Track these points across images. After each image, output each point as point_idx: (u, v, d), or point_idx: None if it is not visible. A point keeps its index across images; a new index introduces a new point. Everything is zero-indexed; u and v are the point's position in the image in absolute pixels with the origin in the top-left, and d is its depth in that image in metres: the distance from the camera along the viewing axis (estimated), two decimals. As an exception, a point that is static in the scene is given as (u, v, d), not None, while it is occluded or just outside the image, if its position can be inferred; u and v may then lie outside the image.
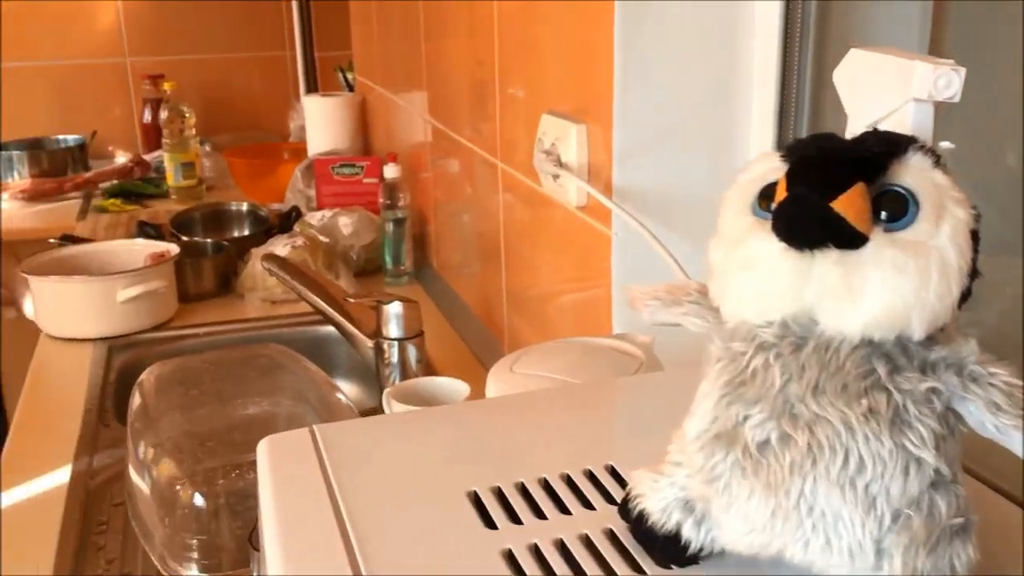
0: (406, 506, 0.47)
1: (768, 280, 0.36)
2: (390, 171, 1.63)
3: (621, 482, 0.47)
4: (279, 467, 0.51)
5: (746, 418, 0.37)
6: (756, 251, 0.36)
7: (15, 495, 1.02)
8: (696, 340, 0.45)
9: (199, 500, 0.80)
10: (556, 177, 0.95)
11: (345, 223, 1.67)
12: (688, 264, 0.81)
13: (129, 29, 2.55)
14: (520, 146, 1.15)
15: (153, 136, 2.50)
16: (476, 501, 0.46)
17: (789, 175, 0.36)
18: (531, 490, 0.46)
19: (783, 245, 0.36)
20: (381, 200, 1.64)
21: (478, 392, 1.03)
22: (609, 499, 0.46)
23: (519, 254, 1.22)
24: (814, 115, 0.85)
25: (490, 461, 0.50)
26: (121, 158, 2.56)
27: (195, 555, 0.79)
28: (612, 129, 0.86)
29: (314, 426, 0.54)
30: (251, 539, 0.71)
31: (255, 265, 1.59)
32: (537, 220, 1.11)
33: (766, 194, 0.37)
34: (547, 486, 0.47)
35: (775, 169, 0.38)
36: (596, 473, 0.48)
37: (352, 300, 1.19)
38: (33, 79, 2.51)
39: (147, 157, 2.42)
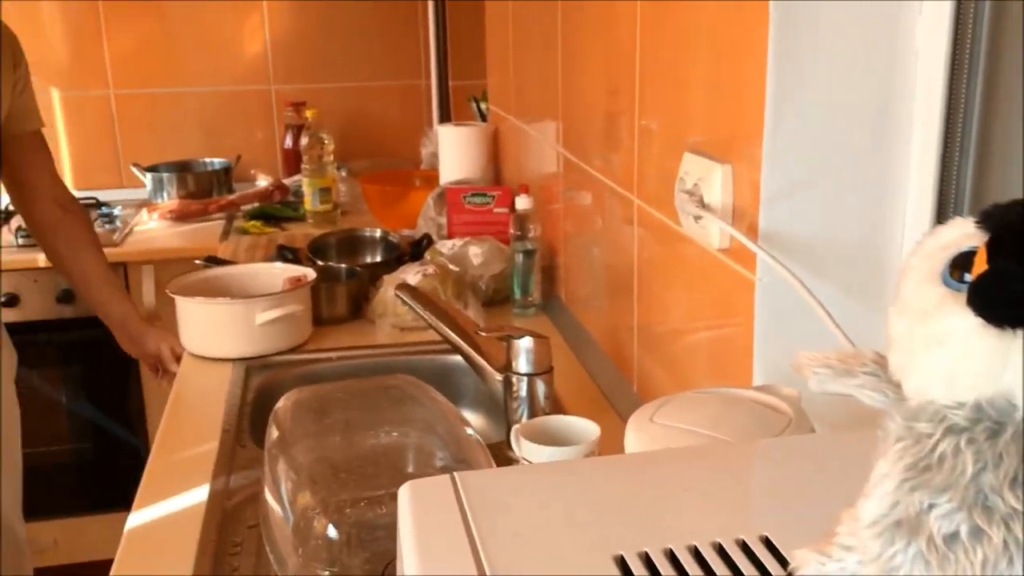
0: (549, 563, 0.46)
1: (962, 358, 0.33)
2: (522, 202, 1.63)
3: (778, 556, 0.44)
4: (420, 512, 0.51)
5: (932, 506, 0.34)
6: (949, 326, 0.34)
7: (156, 511, 1.06)
8: (849, 399, 0.42)
9: (332, 532, 0.81)
10: (698, 218, 0.92)
11: (475, 253, 1.69)
12: (837, 314, 0.77)
13: (275, 58, 2.66)
14: (657, 182, 1.13)
15: (293, 161, 2.59)
16: (623, 567, 0.44)
17: (991, 245, 0.33)
18: (681, 559, 0.44)
19: (980, 321, 0.33)
20: (512, 231, 1.64)
21: (607, 432, 1.01)
22: (765, 575, 0.43)
23: (652, 291, 1.19)
24: (980, 159, 0.80)
25: (636, 522, 0.48)
26: (262, 181, 2.67)
27: (326, 585, 0.80)
28: (760, 171, 0.83)
29: (455, 473, 0.53)
30: (384, 573, 0.71)
31: (387, 292, 1.62)
32: (673, 258, 1.09)
33: (960, 263, 0.34)
34: (698, 555, 0.45)
35: (970, 236, 0.35)
36: (750, 544, 0.45)
37: (484, 334, 1.19)
38: (186, 104, 2.65)
39: (286, 181, 2.52)
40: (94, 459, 2.29)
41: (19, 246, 2.18)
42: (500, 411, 1.25)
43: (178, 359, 1.53)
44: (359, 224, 2.26)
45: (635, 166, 1.20)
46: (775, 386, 0.73)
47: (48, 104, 2.56)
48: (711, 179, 0.90)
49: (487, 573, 0.44)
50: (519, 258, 1.64)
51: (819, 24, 0.81)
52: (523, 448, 0.99)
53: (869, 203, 0.84)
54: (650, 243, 1.18)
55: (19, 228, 2.24)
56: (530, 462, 0.99)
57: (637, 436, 0.64)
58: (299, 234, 2.21)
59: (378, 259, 1.90)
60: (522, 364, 1.16)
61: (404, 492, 0.53)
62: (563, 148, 1.59)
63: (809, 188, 0.84)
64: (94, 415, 2.26)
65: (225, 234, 2.26)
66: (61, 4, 2.53)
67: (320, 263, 1.74)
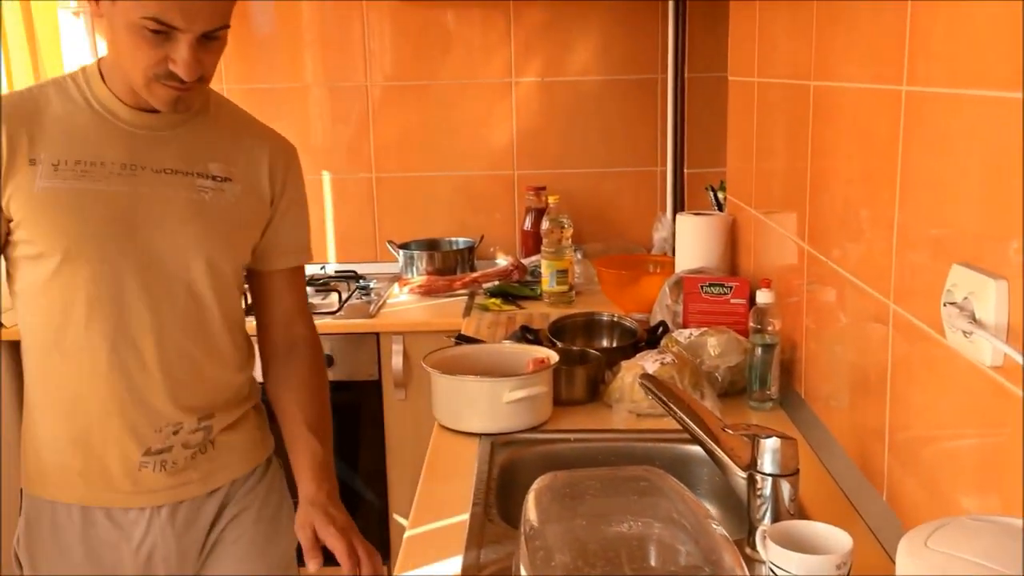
0: None
1: None
2: (763, 297, 1.64)
3: None
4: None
5: None
6: None
7: None
8: None
9: (589, 618, 0.85)
10: (968, 333, 0.91)
11: (713, 344, 1.70)
12: None
13: (520, 145, 2.83)
14: (918, 288, 1.11)
15: (531, 241, 2.72)
16: None
17: None
18: None
19: None
20: (751, 324, 1.65)
21: (856, 543, 0.99)
22: None
23: (907, 397, 1.16)
24: None
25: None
26: (501, 260, 2.82)
27: (581, 671, 0.83)
28: (1041, 291, 0.81)
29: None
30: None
31: (624, 377, 1.67)
32: (935, 368, 1.06)
33: None
34: None
35: None
36: None
37: (730, 432, 1.20)
38: (437, 187, 2.86)
39: (524, 261, 2.64)
40: (338, 513, 2.45)
41: (289, 313, 2.42)
42: (737, 505, 1.25)
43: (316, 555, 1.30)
44: (592, 304, 2.34)
45: (892, 270, 1.19)
46: (1058, 519, 0.71)
47: (318, 185, 2.85)
48: (984, 294, 0.88)
49: None
50: (758, 351, 1.64)
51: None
52: (771, 552, 0.99)
53: None
54: (906, 348, 1.15)
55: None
56: (777, 567, 0.99)
57: (913, 561, 0.64)
58: (536, 314, 2.31)
59: (615, 344, 1.95)
60: (767, 464, 1.16)
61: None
62: (807, 244, 1.58)
63: (1097, 311, 0.80)
64: (341, 471, 2.44)
65: (468, 310, 2.41)
66: (333, 91, 2.83)
67: (560, 345, 1.82)
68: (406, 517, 2.43)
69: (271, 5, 2.77)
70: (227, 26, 1.21)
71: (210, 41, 1.19)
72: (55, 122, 1.25)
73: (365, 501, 2.45)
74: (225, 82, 2.79)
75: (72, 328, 1.26)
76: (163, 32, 1.15)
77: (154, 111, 1.26)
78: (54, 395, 1.30)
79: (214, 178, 1.31)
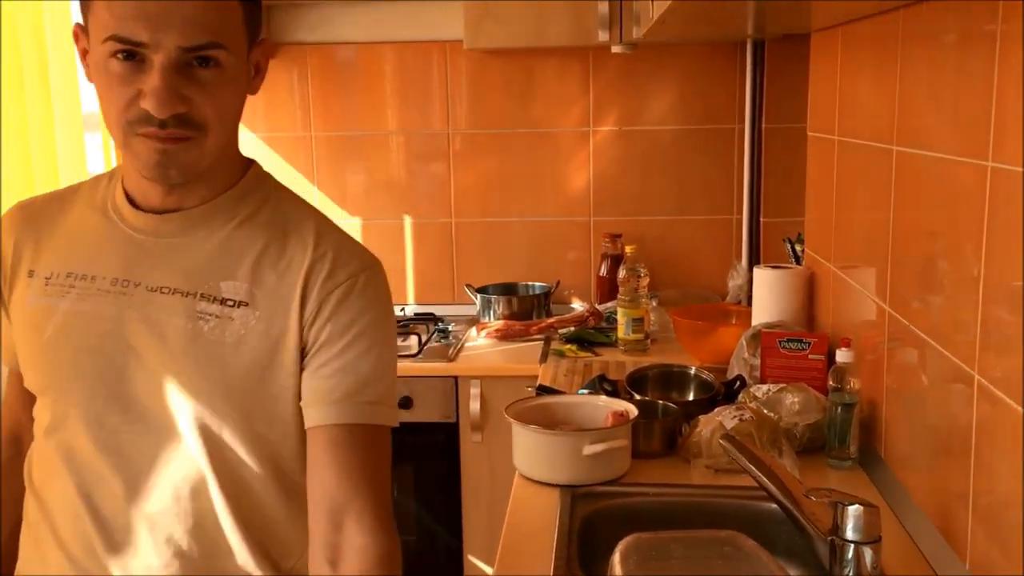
0: None
1: None
2: (842, 356, 1.65)
3: None
4: None
5: None
6: None
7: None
8: None
9: None
10: (1055, 415, 0.92)
11: (791, 401, 1.72)
12: None
13: (596, 192, 2.88)
14: (1006, 363, 1.12)
15: (606, 287, 2.76)
16: None
17: None
18: None
19: None
20: (830, 383, 1.66)
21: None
22: None
23: (992, 465, 1.17)
24: None
25: None
26: (576, 305, 2.86)
27: None
28: None
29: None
30: None
31: (702, 432, 1.69)
32: (1020, 439, 1.07)
33: None
34: None
35: None
36: None
37: (813, 499, 1.22)
38: (514, 232, 2.92)
39: (600, 307, 2.68)
40: (415, 550, 2.51)
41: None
42: (816, 567, 1.27)
43: None
44: (667, 352, 2.37)
45: (977, 341, 1.20)
46: None
47: (399, 229, 2.94)
48: (1072, 378, 0.90)
49: None
50: (837, 410, 1.65)
51: None
52: (855, 622, 1.01)
53: None
54: (990, 411, 1.16)
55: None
56: (860, 636, 1.01)
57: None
58: (612, 362, 2.34)
59: (692, 396, 1.97)
60: (850, 531, 1.17)
61: None
62: (888, 304, 1.59)
63: None
64: (418, 510, 2.50)
65: (544, 356, 2.45)
66: (415, 137, 2.92)
67: (638, 398, 1.85)
68: (480, 558, 2.49)
69: (355, 52, 2.88)
70: (220, 46, 0.93)
71: (199, 69, 0.93)
72: (67, 227, 1.06)
73: (440, 542, 2.50)
74: (314, 129, 2.91)
75: (39, 469, 1.05)
76: (132, 56, 0.90)
77: (162, 211, 1.01)
78: (25, 531, 1.09)
79: (223, 301, 0.99)
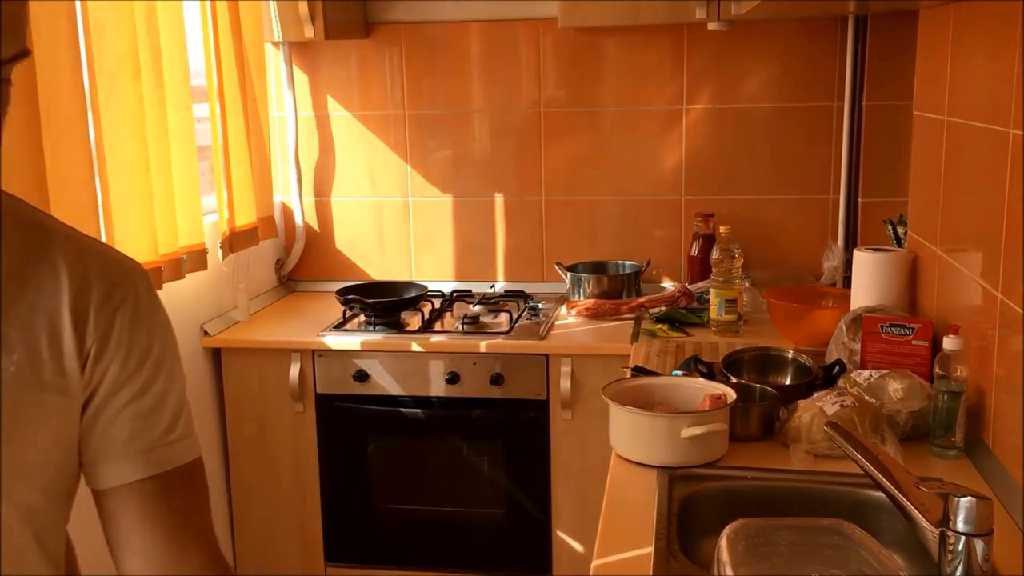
0: None
1: None
2: (950, 343, 1.61)
3: None
4: None
5: None
6: None
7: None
8: None
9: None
10: None
11: (895, 388, 1.69)
12: None
13: (689, 170, 2.85)
14: None
15: (697, 267, 2.74)
16: None
17: None
18: None
19: None
20: (936, 371, 1.63)
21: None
22: None
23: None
24: None
25: None
26: (667, 285, 2.85)
27: None
28: None
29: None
30: None
31: (801, 417, 1.67)
32: None
33: None
34: None
35: None
36: None
37: (924, 489, 1.20)
38: (605, 210, 2.92)
39: (691, 287, 2.67)
40: (504, 524, 2.56)
41: (463, 331, 2.54)
42: (921, 556, 1.25)
43: None
44: (760, 334, 2.35)
45: (1101, 333, 1.16)
46: None
47: (490, 206, 2.97)
48: None
49: None
50: (943, 398, 1.62)
51: None
52: (969, 616, 1.00)
53: None
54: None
55: (464, 316, 2.61)
56: (974, 630, 0.99)
57: None
58: (705, 343, 2.33)
59: (789, 380, 1.95)
60: (960, 523, 1.15)
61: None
62: (1000, 290, 1.55)
63: None
64: (508, 485, 2.54)
65: (635, 335, 2.45)
66: (506, 114, 2.93)
67: (735, 380, 1.84)
68: (569, 534, 2.52)
69: (443, 29, 2.90)
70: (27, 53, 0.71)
71: None
72: None
73: (530, 517, 2.53)
74: (407, 108, 2.94)
75: None
76: None
77: None
78: None
79: None
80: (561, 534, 2.52)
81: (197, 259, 2.35)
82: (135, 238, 2.08)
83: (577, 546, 2.51)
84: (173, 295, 2.29)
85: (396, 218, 3.03)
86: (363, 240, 3.06)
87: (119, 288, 0.83)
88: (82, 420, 0.82)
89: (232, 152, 2.56)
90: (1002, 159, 1.53)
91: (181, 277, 2.25)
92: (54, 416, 0.80)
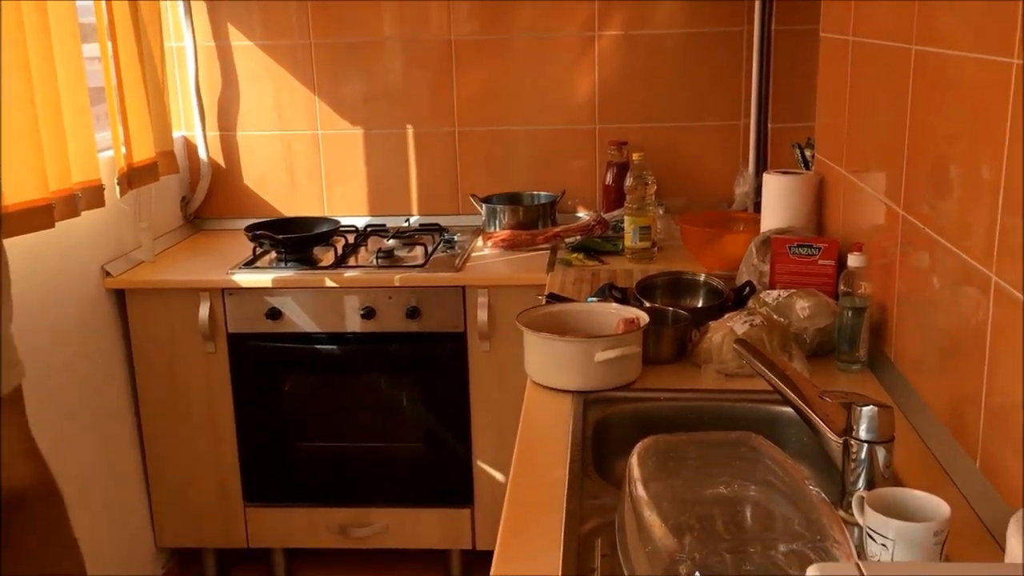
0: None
1: None
2: (854, 260, 1.65)
3: None
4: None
5: None
6: None
7: (519, 529, 1.21)
8: None
9: (697, 577, 0.90)
10: (1078, 313, 0.92)
11: (802, 306, 1.72)
12: None
13: (602, 99, 2.83)
14: (1019, 257, 1.11)
15: (612, 196, 2.74)
16: None
17: None
18: None
19: None
20: (841, 287, 1.66)
21: (951, 510, 1.02)
22: None
23: (1004, 367, 1.17)
24: None
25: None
26: (582, 215, 2.85)
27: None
28: None
29: (860, 563, 0.60)
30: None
31: (712, 338, 1.70)
32: (1037, 343, 1.08)
33: None
34: None
35: None
36: None
37: (828, 400, 1.23)
38: (518, 141, 2.88)
39: (606, 216, 2.67)
40: (424, 457, 2.56)
41: (377, 266, 2.50)
42: (827, 467, 1.29)
43: None
44: (674, 261, 2.36)
45: (996, 242, 1.19)
46: None
47: (402, 138, 2.90)
48: (1096, 276, 0.89)
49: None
50: (847, 314, 1.65)
51: None
52: (869, 518, 1.03)
53: None
54: (1005, 314, 1.16)
55: (379, 250, 2.56)
56: (875, 532, 1.03)
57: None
58: (620, 270, 2.34)
59: (701, 303, 1.98)
60: (863, 431, 1.19)
61: (812, 573, 0.61)
62: (902, 207, 1.58)
63: None
64: (427, 418, 2.53)
65: (551, 265, 2.45)
66: (415, 44, 2.85)
67: (648, 304, 1.85)
68: (489, 464, 2.53)
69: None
70: None
71: None
72: None
73: (450, 449, 2.54)
74: (312, 37, 2.84)
75: None
76: None
77: None
78: None
79: None
80: (482, 464, 2.54)
81: (93, 196, 2.24)
82: (23, 173, 1.96)
83: (498, 475, 2.53)
84: (68, 234, 2.19)
85: (306, 152, 2.94)
86: (272, 176, 2.97)
87: None
88: None
89: (126, 85, 2.44)
90: (904, 77, 1.55)
91: (76, 215, 2.14)
92: None
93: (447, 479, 2.56)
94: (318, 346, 2.49)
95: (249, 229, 2.60)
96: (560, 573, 1.09)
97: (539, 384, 1.66)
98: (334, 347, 2.49)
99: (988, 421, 1.23)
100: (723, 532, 1.01)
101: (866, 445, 1.19)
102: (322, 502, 2.60)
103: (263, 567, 2.72)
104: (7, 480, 0.87)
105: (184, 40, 2.83)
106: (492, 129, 2.88)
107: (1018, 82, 1.12)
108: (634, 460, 1.11)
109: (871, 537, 1.03)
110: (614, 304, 1.79)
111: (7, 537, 0.88)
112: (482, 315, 2.41)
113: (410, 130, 2.90)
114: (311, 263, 2.55)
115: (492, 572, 1.12)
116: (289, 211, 2.96)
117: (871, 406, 1.18)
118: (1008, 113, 1.14)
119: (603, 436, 1.51)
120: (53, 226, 2.02)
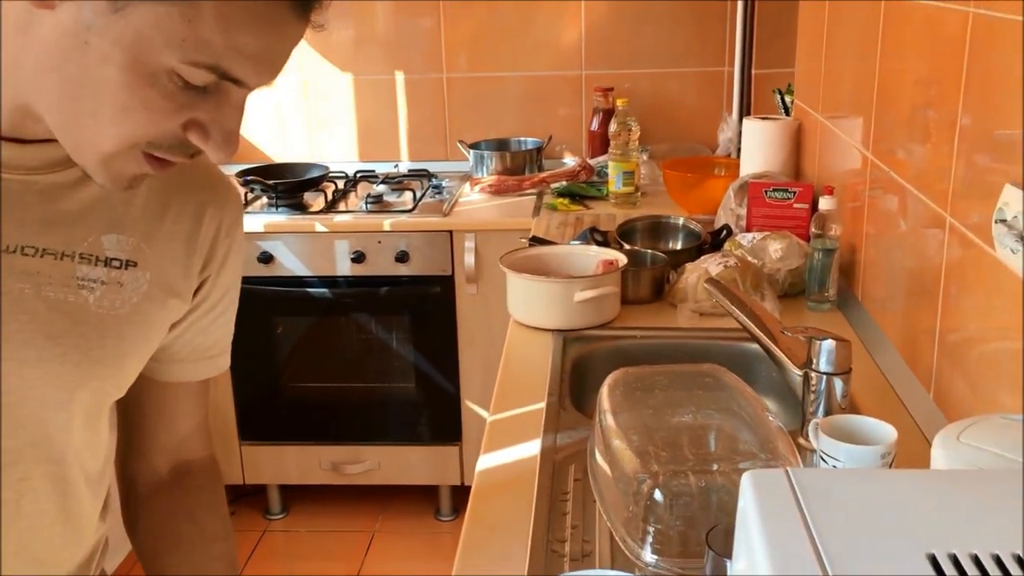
0: (875, 554, 0.58)
1: None
2: (825, 203, 1.71)
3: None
4: (762, 499, 0.65)
5: None
6: None
7: (498, 457, 1.29)
8: None
9: (658, 496, 0.98)
10: (1015, 251, 0.98)
11: (775, 248, 1.78)
12: None
13: (588, 45, 2.86)
14: (974, 204, 1.18)
15: (598, 142, 2.78)
16: (935, 564, 0.56)
17: None
18: (984, 562, 0.56)
19: None
20: (812, 230, 1.72)
21: (901, 435, 1.09)
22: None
23: (958, 304, 1.24)
24: None
25: (947, 529, 0.60)
26: (568, 160, 2.89)
27: (650, 539, 0.97)
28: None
29: (789, 469, 0.67)
30: (707, 538, 0.87)
31: (688, 279, 1.76)
32: (985, 279, 1.14)
33: None
34: (999, 562, 0.56)
35: None
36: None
37: (789, 334, 1.30)
38: (506, 87, 2.92)
39: (591, 161, 2.71)
40: (414, 397, 2.64)
41: (367, 211, 2.55)
42: (793, 401, 1.36)
43: None
44: (657, 205, 2.42)
45: (951, 185, 1.25)
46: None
47: (391, 85, 2.93)
48: (1032, 216, 0.95)
49: (821, 553, 0.58)
50: (818, 255, 1.72)
51: None
52: (821, 443, 1.11)
53: None
54: (959, 255, 1.23)
55: (368, 195, 2.61)
56: (826, 455, 1.10)
57: (945, 453, 0.74)
58: (603, 214, 2.40)
59: (680, 246, 2.04)
60: (823, 364, 1.26)
61: (748, 480, 0.67)
62: (871, 152, 1.64)
63: None
64: (417, 359, 2.61)
65: (537, 210, 2.50)
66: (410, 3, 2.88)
67: (628, 247, 1.91)
68: (477, 403, 2.61)
69: (342, -97, 2.79)
70: None
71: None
72: None
73: (439, 389, 2.62)
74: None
75: None
76: (203, 88, 0.66)
77: (29, 141, 0.73)
78: None
79: (108, 262, 0.79)
80: (470, 403, 2.62)
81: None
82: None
83: (486, 414, 2.59)
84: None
85: (294, 98, 2.97)
86: (261, 122, 3.00)
87: (236, 221, 0.90)
88: (177, 324, 0.89)
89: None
90: (874, 24, 1.59)
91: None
92: (170, 318, 0.86)
93: (436, 417, 2.65)
94: (309, 289, 2.55)
95: (240, 175, 2.64)
96: (535, 495, 1.17)
97: (521, 323, 1.72)
98: (325, 290, 2.55)
99: (942, 356, 1.30)
100: (688, 455, 1.09)
101: (824, 377, 1.26)
102: (315, 440, 2.69)
103: (260, 502, 2.82)
104: (186, 452, 0.98)
105: (172, -14, 2.84)
106: (480, 75, 2.91)
107: (974, 29, 1.17)
108: (604, 391, 1.18)
109: (824, 460, 1.10)
110: (594, 247, 1.85)
111: (175, 504, 0.96)
112: (469, 259, 2.47)
113: (399, 76, 2.93)
114: (302, 208, 2.60)
115: (472, 492, 1.20)
116: (279, 158, 3.00)
117: (830, 340, 1.25)
118: (964, 60, 1.20)
119: (582, 372, 1.58)
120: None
